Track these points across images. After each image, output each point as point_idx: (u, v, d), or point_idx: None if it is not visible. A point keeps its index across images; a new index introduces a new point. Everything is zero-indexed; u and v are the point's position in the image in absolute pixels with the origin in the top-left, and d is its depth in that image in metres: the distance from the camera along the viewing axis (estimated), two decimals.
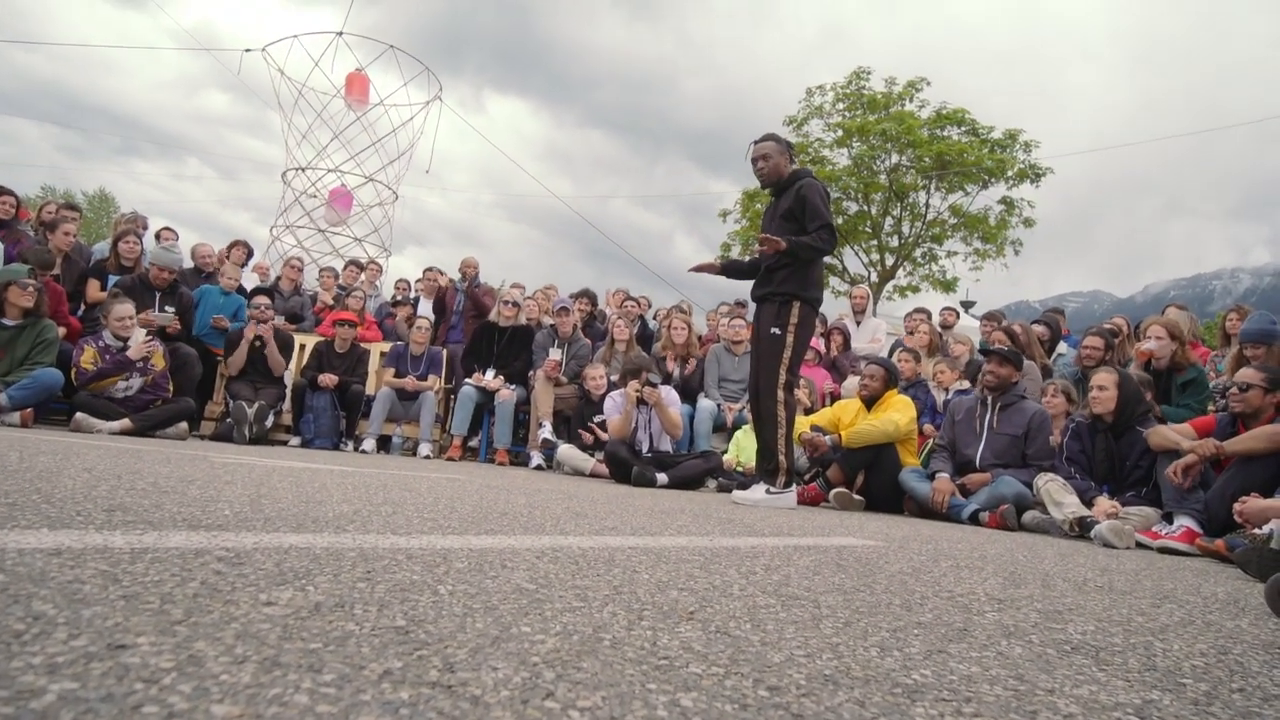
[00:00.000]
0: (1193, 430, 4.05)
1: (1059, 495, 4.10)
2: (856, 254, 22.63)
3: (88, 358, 5.37)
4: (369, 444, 6.71)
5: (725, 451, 6.17)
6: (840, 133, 21.38)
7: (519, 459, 7.27)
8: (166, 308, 6.41)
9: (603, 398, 6.22)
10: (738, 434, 6.18)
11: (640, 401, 5.64)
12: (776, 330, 4.13)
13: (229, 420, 6.21)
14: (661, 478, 5.31)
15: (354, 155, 17.60)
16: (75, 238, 7.11)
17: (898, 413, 4.97)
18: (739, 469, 5.84)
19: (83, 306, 6.64)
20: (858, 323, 8.27)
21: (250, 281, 8.46)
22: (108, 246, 7.69)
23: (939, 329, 7.86)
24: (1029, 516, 4.32)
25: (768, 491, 4.14)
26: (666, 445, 5.89)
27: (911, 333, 7.60)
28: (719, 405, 6.75)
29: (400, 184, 18.47)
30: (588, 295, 8.75)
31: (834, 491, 4.85)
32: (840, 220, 22.39)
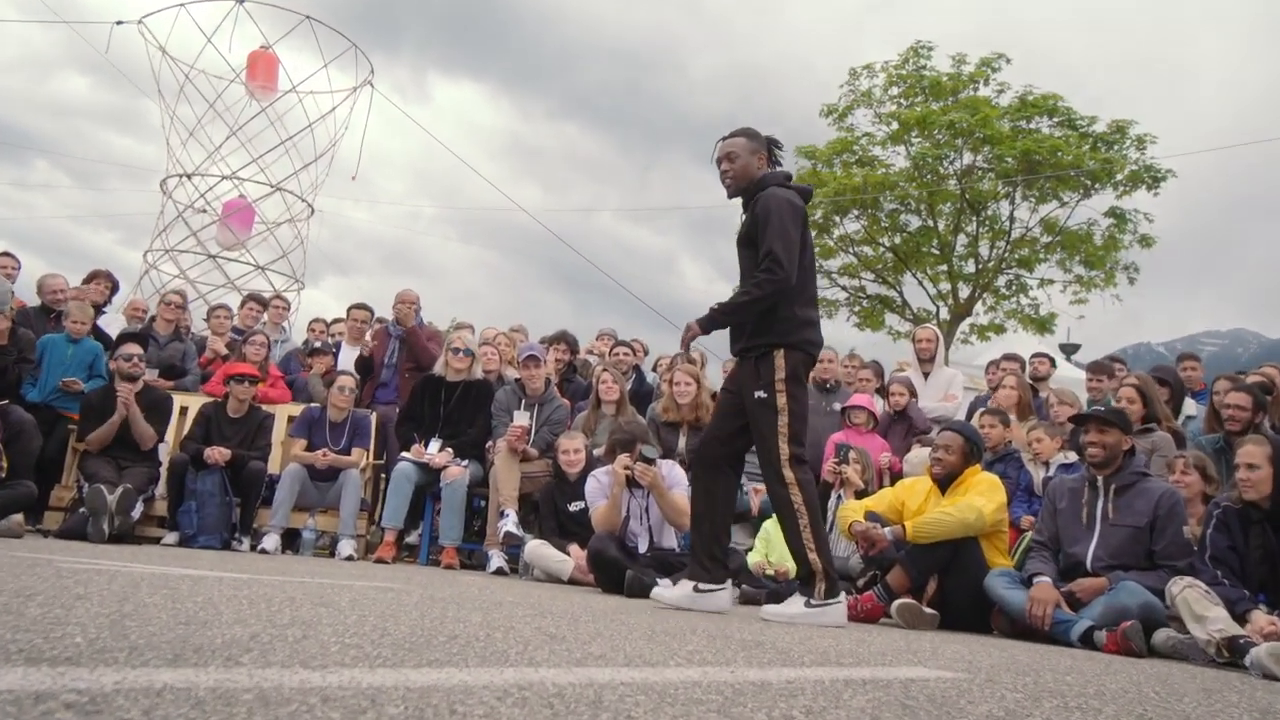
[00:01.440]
0: None
1: (1201, 608, 4.06)
2: (920, 283, 22.91)
3: None
4: (271, 541, 6.67)
5: (750, 549, 6.13)
6: (895, 125, 21.78)
7: (473, 560, 7.23)
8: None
9: (582, 478, 6.20)
10: (766, 525, 6.16)
11: (632, 483, 5.62)
12: (761, 394, 4.17)
13: (83, 510, 6.15)
14: (663, 584, 5.26)
15: (257, 158, 17.84)
16: None
17: (981, 496, 4.95)
18: (769, 573, 5.79)
19: None
20: (925, 375, 8.32)
21: (117, 324, 8.49)
22: None
23: (1032, 382, 7.91)
24: (1161, 637, 4.27)
25: (807, 604, 4.10)
26: (670, 540, 5.86)
27: (996, 388, 7.64)
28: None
29: (317, 194, 18.70)
30: (565, 340, 8.80)
31: (897, 603, 4.80)
32: (898, 239, 22.71)
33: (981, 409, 7.05)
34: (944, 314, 22.21)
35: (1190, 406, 7.40)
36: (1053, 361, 9.01)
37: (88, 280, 8.51)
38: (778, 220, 4.22)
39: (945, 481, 5.18)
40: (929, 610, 4.83)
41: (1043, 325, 21.84)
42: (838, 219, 22.60)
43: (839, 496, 6.39)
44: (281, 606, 2.54)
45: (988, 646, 3.86)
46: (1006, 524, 5.22)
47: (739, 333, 4.37)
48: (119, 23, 17.64)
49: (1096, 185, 20.50)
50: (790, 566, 5.76)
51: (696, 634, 2.99)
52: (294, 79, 17.88)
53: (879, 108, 22.23)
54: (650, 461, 5.55)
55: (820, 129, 23.06)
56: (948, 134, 20.86)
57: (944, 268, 22.39)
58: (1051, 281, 21.82)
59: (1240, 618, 4.04)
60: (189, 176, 17.72)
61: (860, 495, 6.14)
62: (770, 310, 4.23)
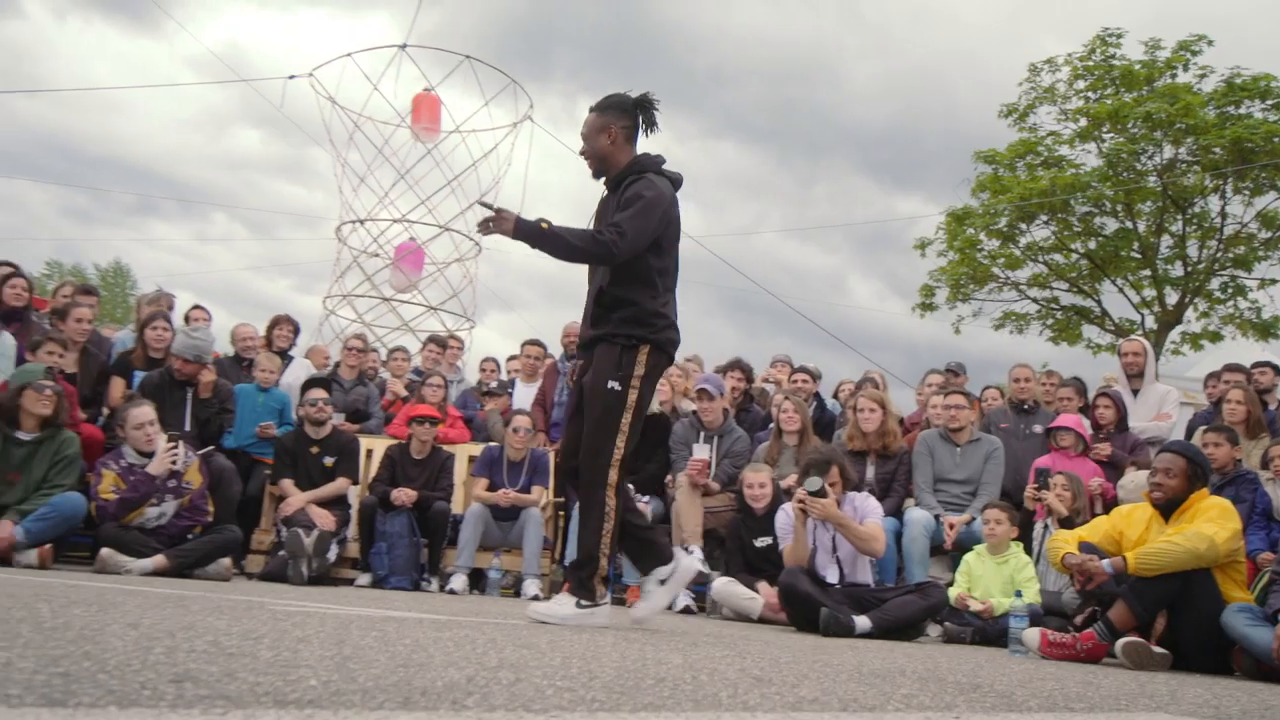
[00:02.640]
0: None
1: None
2: (1121, 290, 21.76)
3: (107, 485, 5.86)
4: (459, 581, 6.93)
5: (951, 583, 5.97)
6: (1084, 122, 20.85)
7: None
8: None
9: (769, 512, 6.19)
10: (968, 557, 5.98)
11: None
12: (616, 385, 4.05)
13: (282, 554, 6.57)
14: (862, 622, 5.18)
15: (425, 199, 18.65)
16: (92, 325, 7.87)
17: (1212, 524, 4.65)
18: (974, 610, 5.61)
19: (105, 411, 7.29)
20: (1134, 391, 7.90)
21: (302, 370, 9.03)
22: (132, 336, 8.45)
23: (1258, 395, 7.40)
24: None
25: (578, 605, 4.08)
26: (864, 573, 5.76)
27: (1218, 402, 7.19)
28: (936, 517, 6.59)
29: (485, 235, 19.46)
30: (740, 368, 8.78)
31: (1122, 642, 4.56)
32: (1093, 244, 21.69)
33: (1204, 427, 6.65)
34: (1150, 323, 21.02)
35: None
36: (1278, 370, 8.39)
37: (271, 327, 9.08)
38: (642, 208, 4.09)
39: (1168, 508, 4.90)
40: (1159, 650, 4.57)
41: (1266, 330, 20.32)
42: (1024, 226, 21.74)
43: (1045, 526, 6.14)
44: (485, 649, 2.64)
45: (1232, 690, 3.63)
46: (1242, 553, 4.89)
47: (602, 319, 4.20)
48: (291, 77, 18.84)
49: None
50: (996, 603, 5.59)
51: (906, 676, 2.93)
52: (456, 119, 18.62)
53: (1064, 104, 21.33)
54: (819, 494, 5.47)
55: (999, 131, 22.32)
56: (1144, 127, 19.78)
57: (1147, 272, 21.21)
58: (1274, 281, 20.33)
59: None
60: (361, 222, 18.71)
61: (1067, 524, 5.89)
62: (639, 302, 4.15)
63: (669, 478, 7.24)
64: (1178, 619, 4.67)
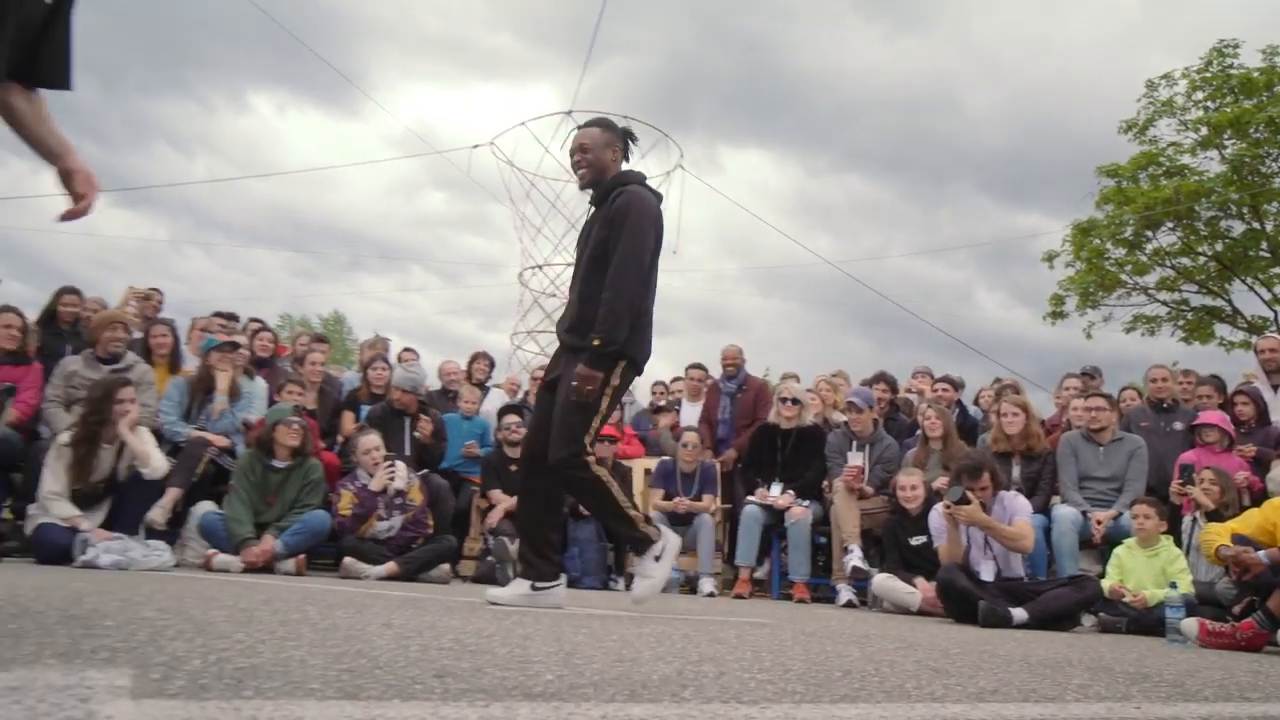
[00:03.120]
0: None
1: None
2: (1251, 289, 20.20)
3: (345, 503, 6.20)
4: None
5: (1101, 575, 5.66)
6: (1205, 130, 19.51)
7: (818, 593, 7.18)
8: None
9: (923, 512, 6.02)
10: (1119, 551, 5.66)
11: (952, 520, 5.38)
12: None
13: (490, 559, 6.78)
14: (1019, 614, 4.96)
15: None
16: (324, 368, 8.37)
17: None
18: (1127, 601, 5.30)
19: (339, 440, 7.71)
20: (1275, 386, 7.32)
21: (497, 398, 9.33)
22: (357, 376, 8.92)
23: None
24: None
25: (533, 588, 3.94)
26: (1017, 567, 5.52)
27: None
28: (1083, 513, 6.26)
29: None
30: (885, 380, 8.59)
31: None
32: (1220, 246, 20.24)
33: None
34: None
35: None
36: None
37: (471, 361, 9.43)
38: (635, 223, 3.86)
39: None
40: None
41: None
42: (1150, 233, 20.49)
43: (1194, 519, 5.75)
44: (683, 644, 2.65)
45: None
46: None
47: (582, 326, 3.89)
48: (476, 146, 19.62)
49: None
50: (1149, 595, 5.25)
51: (1074, 666, 2.79)
52: None
53: (1183, 116, 20.01)
54: (963, 502, 5.27)
55: (1119, 145, 21.09)
56: (1267, 131, 18.40)
57: (1278, 270, 19.66)
58: None
59: None
60: (540, 267, 19.28)
61: (1215, 517, 5.49)
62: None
63: (826, 483, 7.13)
64: None
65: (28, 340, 6.57)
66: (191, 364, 7.39)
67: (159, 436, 6.23)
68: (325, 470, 6.61)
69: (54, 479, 5.33)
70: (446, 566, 6.31)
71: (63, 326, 7.55)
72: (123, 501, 5.49)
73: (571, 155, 4.05)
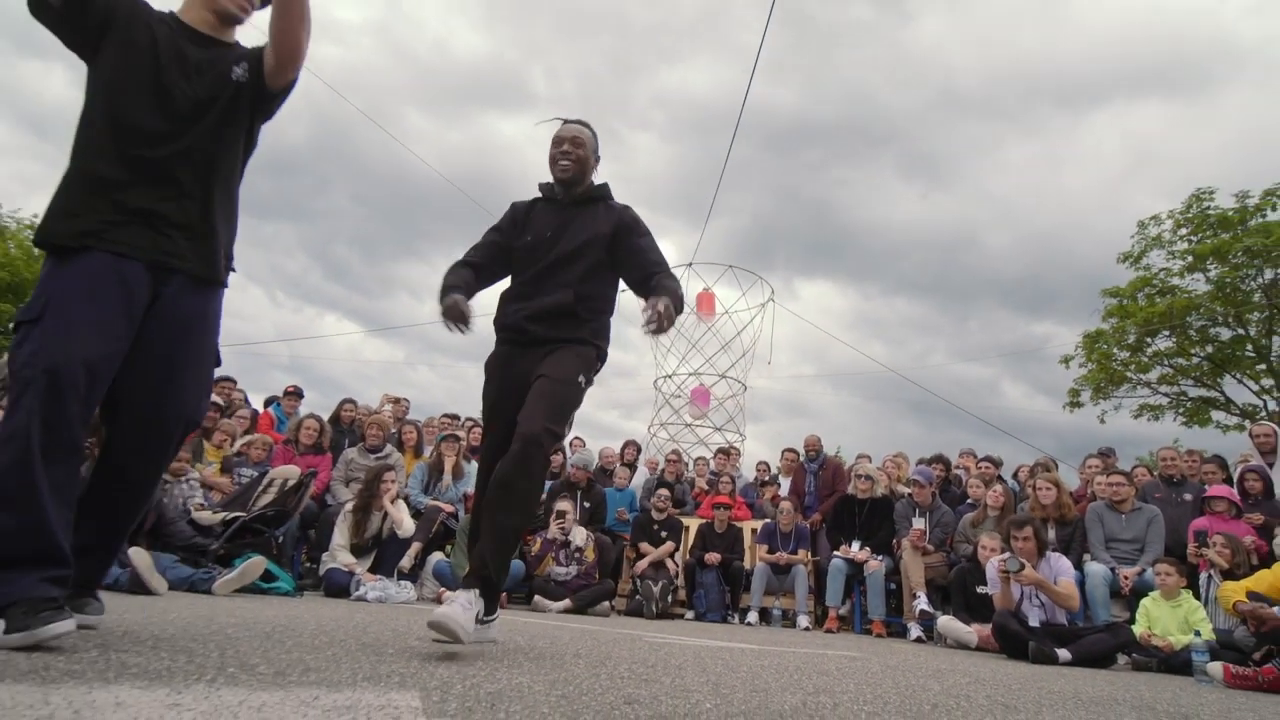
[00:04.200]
0: None
1: None
2: (1240, 381, 18.42)
3: (535, 548, 6.31)
4: (752, 616, 6.75)
5: (1132, 621, 5.14)
6: (1190, 259, 18.26)
7: (893, 629, 6.77)
8: (585, 504, 7.35)
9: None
10: (1146, 602, 5.14)
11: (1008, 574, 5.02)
12: (583, 381, 2.72)
13: (638, 597, 6.70)
14: (1063, 654, 4.55)
15: (709, 359, 19.18)
16: None
17: None
18: (1156, 645, 4.79)
19: None
20: (1269, 464, 6.62)
21: (642, 474, 9.35)
22: None
23: None
24: None
25: (480, 620, 2.47)
26: (1060, 615, 5.09)
27: None
28: (1112, 569, 5.75)
29: (747, 376, 19.58)
30: (941, 461, 8.21)
31: None
32: (1210, 349, 18.69)
33: None
34: (1272, 406, 17.61)
35: None
36: None
37: (624, 447, 9.52)
38: (651, 236, 2.94)
39: None
40: None
41: None
42: (1149, 340, 19.11)
43: (1210, 577, 5.20)
44: (797, 675, 2.56)
45: None
46: None
47: (577, 326, 2.78)
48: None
49: None
50: (1175, 640, 4.74)
51: (1120, 704, 2.54)
52: (724, 305, 19.15)
53: (1170, 248, 18.81)
54: (1020, 569, 4.95)
55: (1118, 272, 19.92)
56: (1245, 257, 17.09)
57: (1263, 367, 17.90)
58: None
59: None
60: (669, 376, 19.42)
61: (1229, 575, 4.95)
62: (607, 318, 2.95)
63: (895, 542, 6.80)
64: None
65: (323, 437, 7.04)
66: (428, 451, 7.74)
67: (406, 503, 6.51)
68: None
69: (340, 536, 5.62)
70: (607, 603, 6.27)
71: (343, 426, 8.06)
72: (384, 553, 5.72)
73: (559, 145, 2.91)
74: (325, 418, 7.86)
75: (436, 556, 6.18)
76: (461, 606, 2.30)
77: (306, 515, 6.28)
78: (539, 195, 3.02)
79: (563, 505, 6.52)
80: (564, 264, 2.84)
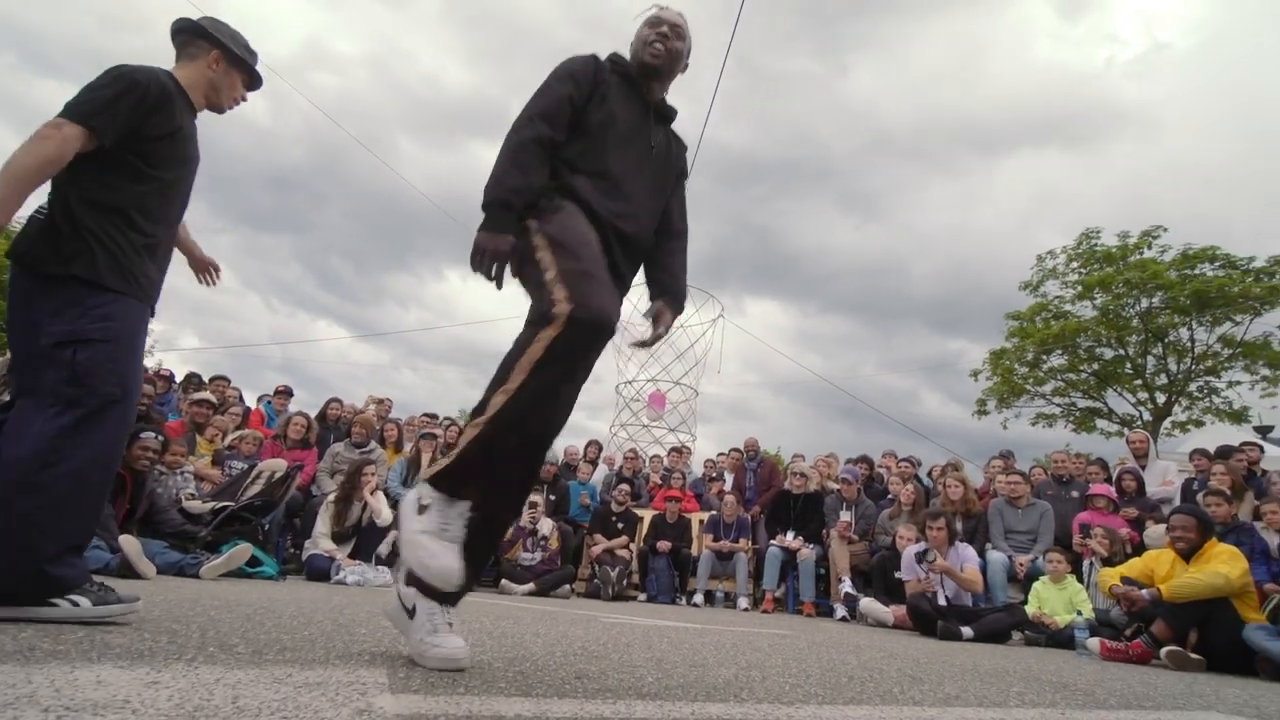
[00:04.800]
0: None
1: None
2: (1121, 394, 19.20)
3: (507, 535, 6.25)
4: (698, 598, 6.76)
5: (1025, 603, 5.30)
6: (1080, 288, 18.98)
7: (822, 610, 6.85)
8: (551, 497, 7.30)
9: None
10: (1036, 586, 5.30)
11: (920, 559, 5.15)
12: None
13: (595, 581, 6.66)
14: (967, 631, 4.66)
15: (665, 367, 19.27)
16: None
17: (1225, 565, 3.95)
18: (1045, 624, 4.94)
19: None
20: (1142, 467, 6.89)
21: (603, 470, 9.31)
22: None
23: (1246, 466, 6.30)
24: None
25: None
26: (964, 597, 5.21)
27: (1208, 475, 6.17)
28: (1009, 557, 5.91)
29: (699, 383, 19.68)
30: (865, 461, 8.37)
31: (1167, 650, 3.88)
32: (1095, 366, 19.49)
33: (1204, 491, 5.70)
34: (1146, 416, 18.38)
35: None
36: (1261, 447, 7.12)
37: (587, 446, 9.47)
38: None
39: (1188, 553, 4.20)
40: (1195, 656, 3.85)
41: (1238, 416, 17.30)
42: (1045, 358, 19.81)
43: (1091, 564, 5.39)
44: (733, 651, 2.57)
45: (1263, 690, 3.00)
46: (1252, 585, 4.10)
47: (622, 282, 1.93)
48: None
49: (1265, 306, 16.47)
50: (1060, 619, 4.90)
51: (1011, 675, 2.62)
52: (680, 319, 19.22)
53: (1064, 279, 19.53)
54: (934, 561, 5.08)
55: (1020, 298, 20.61)
56: (1125, 288, 17.85)
57: (1139, 382, 18.68)
58: (1239, 382, 17.45)
59: None
60: (629, 382, 19.44)
61: (1107, 563, 5.13)
62: None
63: (825, 532, 6.89)
64: (1207, 634, 3.94)
65: (310, 433, 6.86)
66: (408, 447, 7.60)
67: (386, 495, 6.37)
68: None
69: (322, 524, 5.47)
70: (567, 587, 6.22)
71: (330, 423, 7.87)
72: (363, 540, 5.59)
73: (659, 27, 1.99)
74: (313, 415, 7.68)
75: None
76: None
77: (292, 505, 6.10)
78: (608, 65, 1.96)
79: (533, 497, 6.47)
80: (658, 193, 2.01)
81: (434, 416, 9.30)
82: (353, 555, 5.42)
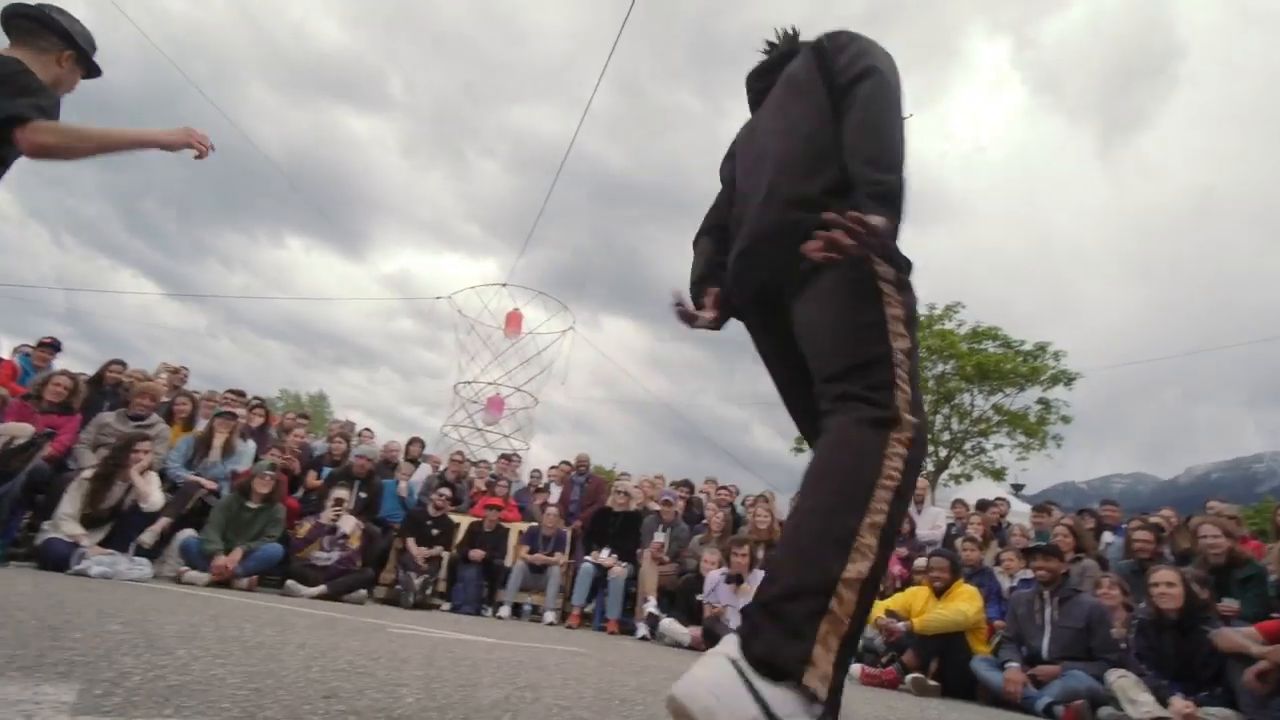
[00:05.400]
0: (1258, 634, 3.53)
1: (1134, 693, 3.57)
2: None
3: (303, 530, 5.75)
4: (505, 611, 6.62)
5: None
6: None
7: (626, 627, 6.98)
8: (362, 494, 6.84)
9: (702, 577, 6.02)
10: None
11: (730, 579, 5.45)
12: None
13: (398, 587, 6.30)
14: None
15: (508, 372, 18.92)
16: (303, 438, 7.81)
17: (965, 603, 4.56)
18: None
19: (302, 490, 7.13)
20: (918, 511, 7.79)
21: (425, 470, 8.87)
22: (325, 445, 8.35)
23: (995, 520, 7.35)
24: (1105, 713, 3.74)
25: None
26: None
27: (966, 523, 7.13)
28: None
29: (540, 392, 19.51)
30: (687, 485, 8.71)
31: (911, 676, 4.38)
32: None
33: (961, 536, 6.55)
34: (930, 467, 21.00)
35: (1108, 536, 6.69)
36: (1008, 504, 8.36)
37: (410, 443, 8.99)
38: None
39: (940, 591, 4.80)
40: (933, 683, 4.38)
41: (997, 475, 20.42)
42: None
43: None
44: (517, 670, 2.52)
45: (979, 715, 3.46)
46: (984, 622, 4.76)
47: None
48: (438, 298, 19.31)
49: (1028, 383, 19.61)
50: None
51: None
52: (530, 325, 18.99)
53: None
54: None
55: None
56: (925, 353, 20.34)
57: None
58: (1002, 446, 20.58)
59: (1163, 701, 3.53)
60: (469, 383, 18.82)
61: (882, 596, 5.72)
62: None
63: (639, 551, 7.05)
64: (944, 663, 4.50)
65: (74, 397, 5.89)
66: (202, 425, 6.77)
67: (164, 477, 5.62)
68: (288, 512, 6.07)
69: (70, 503, 4.69)
70: (364, 591, 5.81)
71: (106, 387, 6.82)
72: (121, 526, 4.87)
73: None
74: (89, 377, 6.63)
75: (187, 533, 5.37)
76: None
77: (36, 477, 5.18)
78: None
79: (341, 493, 6.01)
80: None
81: (240, 394, 8.40)
82: (105, 542, 4.71)
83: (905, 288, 1.34)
